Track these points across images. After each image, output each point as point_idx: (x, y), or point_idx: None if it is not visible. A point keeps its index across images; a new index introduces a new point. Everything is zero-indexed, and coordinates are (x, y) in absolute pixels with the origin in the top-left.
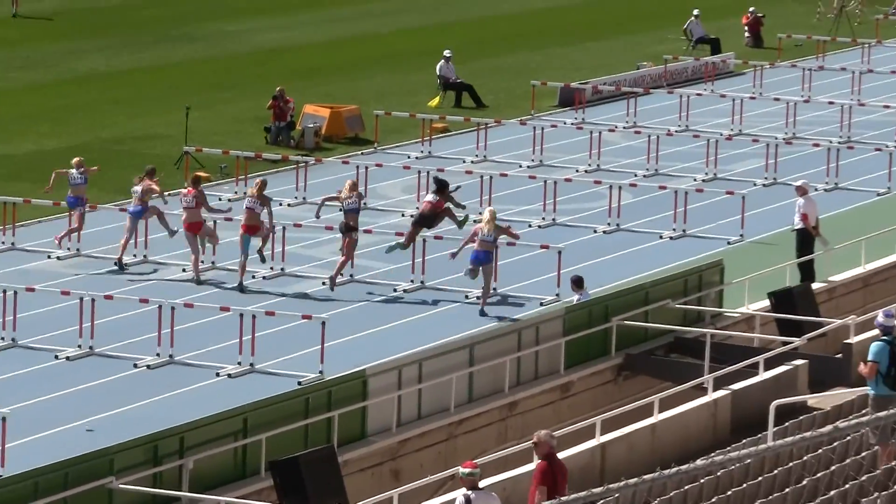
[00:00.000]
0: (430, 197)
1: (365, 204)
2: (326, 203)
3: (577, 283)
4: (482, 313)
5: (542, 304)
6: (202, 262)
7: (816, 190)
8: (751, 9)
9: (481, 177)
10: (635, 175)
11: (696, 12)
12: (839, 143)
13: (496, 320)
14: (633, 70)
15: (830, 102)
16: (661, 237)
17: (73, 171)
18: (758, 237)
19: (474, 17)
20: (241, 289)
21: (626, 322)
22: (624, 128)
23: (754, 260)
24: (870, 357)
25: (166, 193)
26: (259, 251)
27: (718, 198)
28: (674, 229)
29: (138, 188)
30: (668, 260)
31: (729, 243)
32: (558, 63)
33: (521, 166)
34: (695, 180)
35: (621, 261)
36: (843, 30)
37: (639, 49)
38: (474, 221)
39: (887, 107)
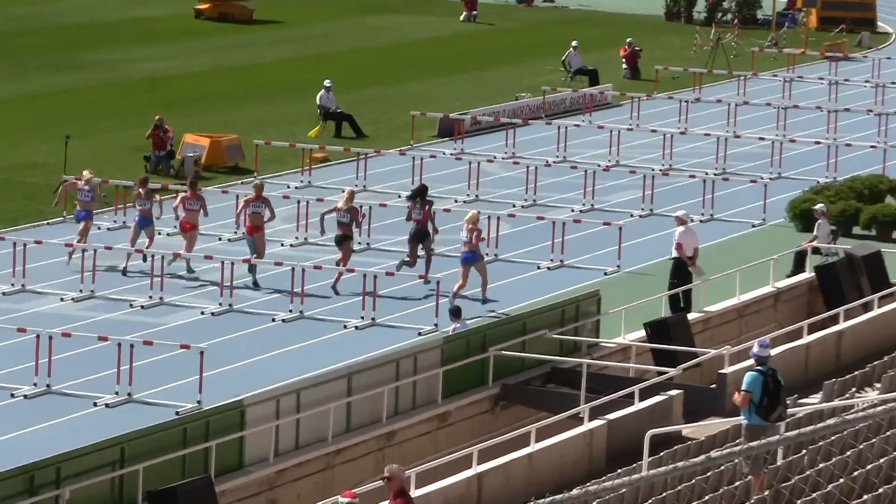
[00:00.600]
0: (415, 213)
1: (363, 215)
2: (326, 217)
3: (455, 313)
4: (484, 301)
5: (420, 334)
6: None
7: (693, 220)
8: (628, 40)
9: (360, 206)
10: (513, 205)
11: (574, 44)
12: (715, 174)
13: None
14: (511, 101)
15: (706, 134)
16: (538, 267)
17: (82, 184)
18: (634, 268)
19: (354, 48)
20: (255, 285)
21: (503, 352)
22: (503, 158)
23: (631, 290)
24: (743, 387)
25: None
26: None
27: (595, 228)
28: (551, 259)
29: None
30: (546, 290)
31: (606, 274)
32: (438, 94)
33: (400, 196)
34: (572, 211)
35: (499, 291)
36: (719, 62)
37: (517, 80)
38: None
39: (762, 139)
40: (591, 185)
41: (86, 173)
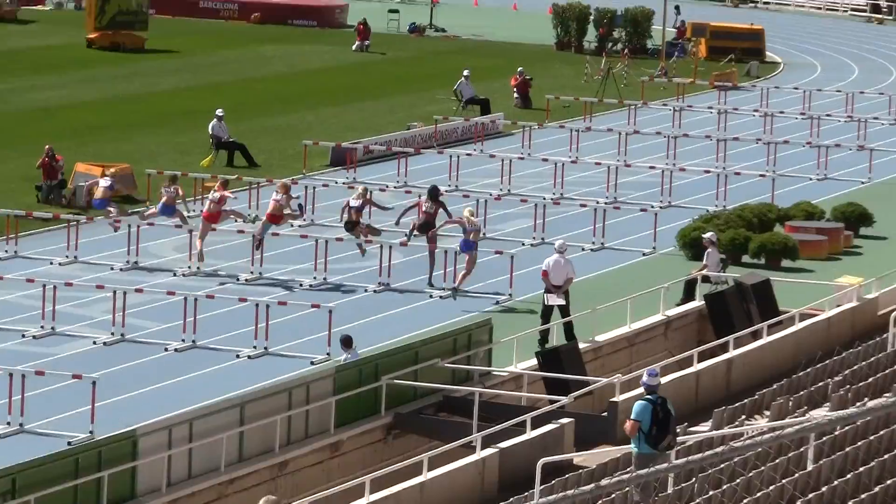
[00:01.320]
0: (426, 206)
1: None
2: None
3: (347, 342)
4: (454, 292)
5: (312, 364)
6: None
7: (584, 250)
8: (519, 70)
9: (253, 237)
10: (406, 234)
11: (466, 73)
12: (606, 203)
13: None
14: (403, 130)
15: (597, 163)
16: (430, 296)
17: (103, 178)
18: (526, 297)
19: (247, 78)
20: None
21: (395, 381)
22: (395, 187)
23: (523, 319)
24: (632, 416)
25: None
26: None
27: (488, 257)
28: (442, 288)
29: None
30: (438, 319)
31: (498, 303)
32: (330, 123)
33: (292, 226)
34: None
35: (391, 320)
36: (609, 91)
37: (410, 109)
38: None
39: (652, 167)
40: (483, 213)
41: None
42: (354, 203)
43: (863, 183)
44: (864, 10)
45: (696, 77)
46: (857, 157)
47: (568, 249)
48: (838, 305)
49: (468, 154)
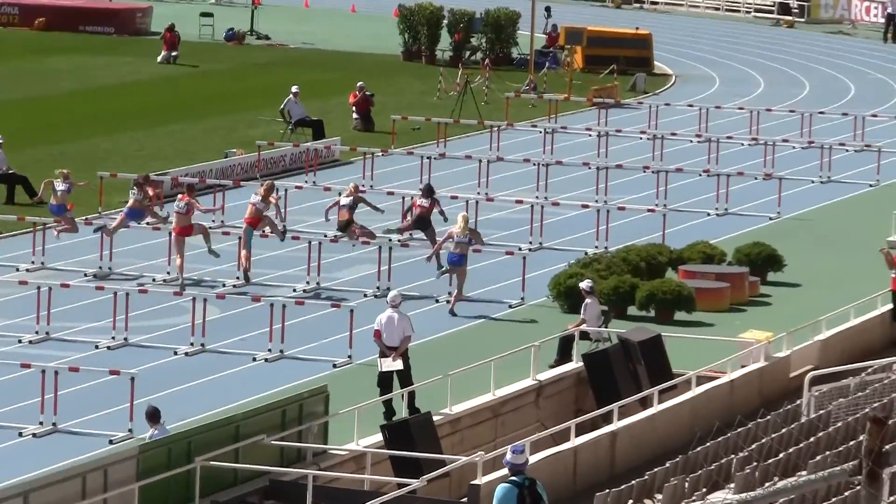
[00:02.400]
0: (421, 200)
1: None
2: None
3: (153, 415)
4: (452, 314)
5: (111, 442)
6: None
7: (440, 302)
8: (359, 85)
9: (38, 287)
10: (223, 285)
11: (294, 90)
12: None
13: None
14: (220, 159)
15: (454, 197)
16: (254, 359)
17: (59, 181)
18: (369, 359)
19: (28, 97)
20: (246, 279)
21: (212, 462)
22: (210, 228)
23: (365, 386)
24: (494, 502)
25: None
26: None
27: (323, 311)
28: (269, 349)
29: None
30: (264, 387)
31: (335, 366)
32: (131, 150)
33: (85, 275)
34: (294, 291)
35: (207, 388)
36: (468, 110)
37: (227, 134)
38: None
39: (520, 202)
40: (317, 259)
41: (60, 172)
42: (345, 201)
43: (771, 219)
44: (771, 11)
45: (572, 92)
46: (764, 188)
47: (404, 303)
48: (743, 366)
49: (298, 187)
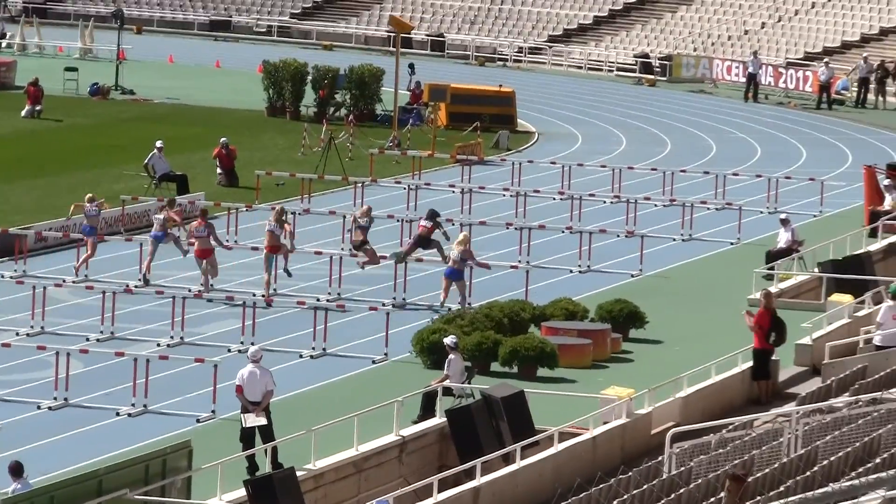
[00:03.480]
0: (424, 222)
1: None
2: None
3: (15, 470)
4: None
5: None
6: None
7: (304, 357)
8: (222, 140)
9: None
10: (87, 339)
11: (159, 144)
12: (328, 301)
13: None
14: (78, 215)
15: (317, 252)
16: (118, 413)
17: (88, 204)
18: (232, 414)
19: None
20: (267, 304)
21: None
22: (74, 283)
23: (229, 441)
24: None
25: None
26: (285, 269)
27: (186, 366)
28: (133, 404)
29: (161, 216)
30: (127, 442)
31: (199, 421)
32: None
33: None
34: (158, 345)
35: (71, 442)
36: (332, 166)
37: (92, 188)
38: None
39: (383, 257)
40: (181, 314)
41: (88, 196)
42: (362, 222)
43: (632, 276)
44: (633, 70)
45: (435, 149)
46: (626, 245)
47: (266, 357)
48: (605, 422)
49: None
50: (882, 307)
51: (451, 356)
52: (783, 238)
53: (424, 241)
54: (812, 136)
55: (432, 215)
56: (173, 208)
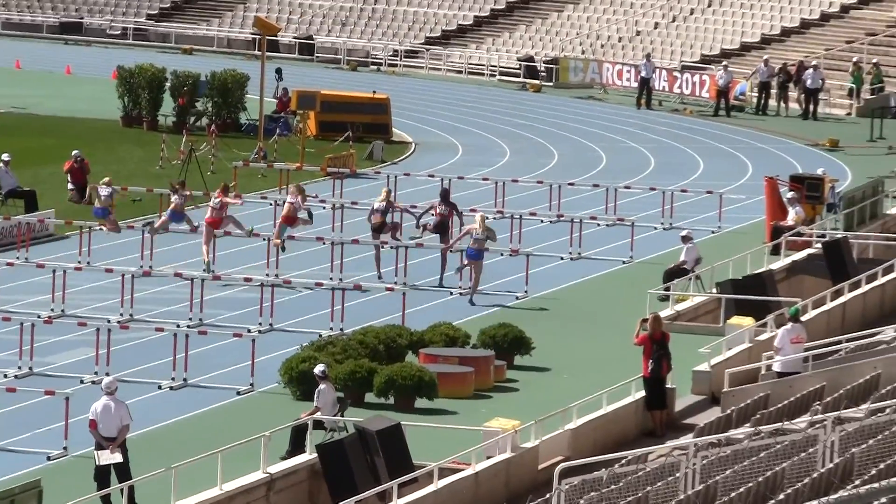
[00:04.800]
0: (440, 207)
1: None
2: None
3: None
4: (471, 303)
5: None
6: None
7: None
8: (74, 153)
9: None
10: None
11: (5, 157)
12: (190, 327)
13: (486, 309)
14: None
15: (177, 274)
16: None
17: (103, 187)
18: (85, 450)
19: None
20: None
21: None
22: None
23: (81, 479)
24: None
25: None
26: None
27: (35, 399)
28: (450, 288)
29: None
30: None
31: (49, 459)
32: None
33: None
34: (5, 377)
35: None
36: (193, 180)
37: None
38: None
39: (248, 279)
40: (30, 342)
41: (106, 180)
42: (378, 206)
43: (518, 298)
44: (517, 75)
45: (305, 161)
46: (511, 265)
47: (122, 389)
48: (489, 457)
49: (8, 264)
50: (779, 331)
51: (322, 386)
52: (688, 256)
53: (443, 228)
54: (710, 146)
55: (446, 196)
56: (227, 193)
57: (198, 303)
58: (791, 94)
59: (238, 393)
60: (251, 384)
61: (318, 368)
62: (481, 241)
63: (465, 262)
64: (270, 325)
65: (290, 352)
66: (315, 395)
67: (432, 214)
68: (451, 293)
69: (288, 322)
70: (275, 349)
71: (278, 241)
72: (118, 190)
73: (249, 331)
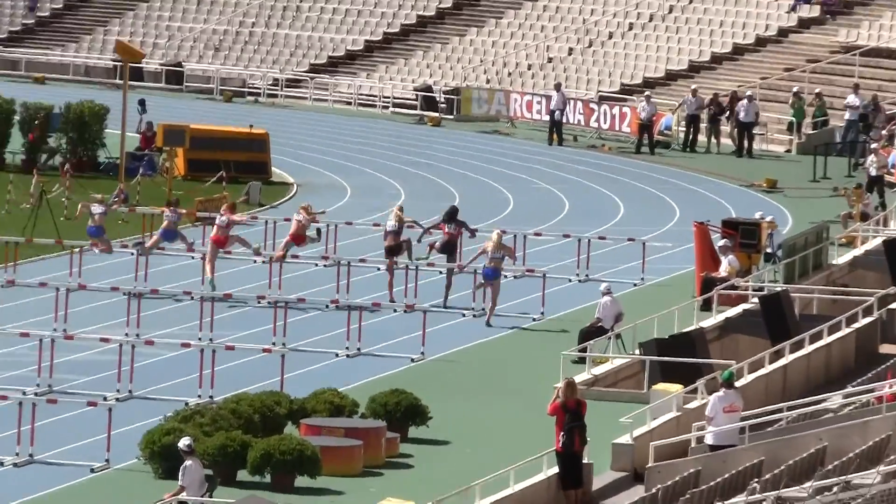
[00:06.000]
0: (449, 227)
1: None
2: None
3: None
4: (488, 324)
5: None
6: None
7: None
8: None
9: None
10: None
11: None
12: (37, 395)
13: (503, 331)
14: None
15: (24, 334)
16: None
17: (95, 205)
18: None
19: None
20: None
21: None
22: None
23: None
24: None
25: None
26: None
27: None
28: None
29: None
30: None
31: None
32: None
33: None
34: None
35: None
36: (44, 226)
37: None
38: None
39: (105, 340)
40: None
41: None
42: (391, 227)
43: (413, 360)
44: (413, 107)
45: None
46: (403, 322)
47: None
48: None
49: None
50: (711, 398)
51: (188, 462)
52: (606, 312)
53: (451, 247)
54: (631, 187)
55: (453, 215)
56: (234, 212)
57: (47, 366)
58: (723, 129)
59: (92, 470)
60: (107, 460)
61: (184, 442)
62: (498, 260)
63: (482, 281)
64: (130, 391)
65: (151, 423)
66: (180, 473)
67: (430, 234)
68: (337, 355)
69: (149, 388)
70: (134, 420)
71: (281, 252)
72: (110, 208)
73: (106, 398)
